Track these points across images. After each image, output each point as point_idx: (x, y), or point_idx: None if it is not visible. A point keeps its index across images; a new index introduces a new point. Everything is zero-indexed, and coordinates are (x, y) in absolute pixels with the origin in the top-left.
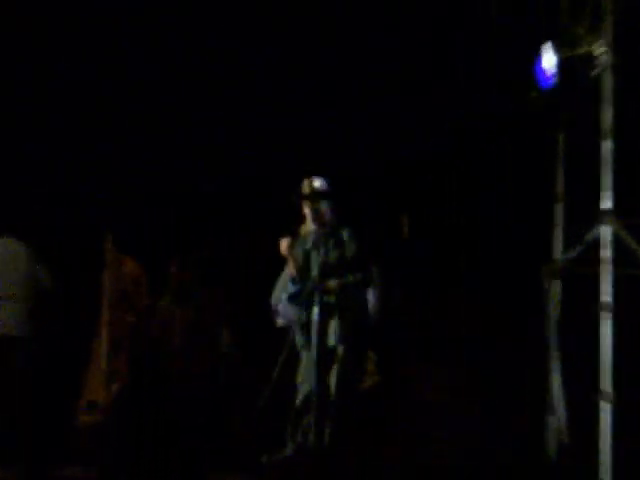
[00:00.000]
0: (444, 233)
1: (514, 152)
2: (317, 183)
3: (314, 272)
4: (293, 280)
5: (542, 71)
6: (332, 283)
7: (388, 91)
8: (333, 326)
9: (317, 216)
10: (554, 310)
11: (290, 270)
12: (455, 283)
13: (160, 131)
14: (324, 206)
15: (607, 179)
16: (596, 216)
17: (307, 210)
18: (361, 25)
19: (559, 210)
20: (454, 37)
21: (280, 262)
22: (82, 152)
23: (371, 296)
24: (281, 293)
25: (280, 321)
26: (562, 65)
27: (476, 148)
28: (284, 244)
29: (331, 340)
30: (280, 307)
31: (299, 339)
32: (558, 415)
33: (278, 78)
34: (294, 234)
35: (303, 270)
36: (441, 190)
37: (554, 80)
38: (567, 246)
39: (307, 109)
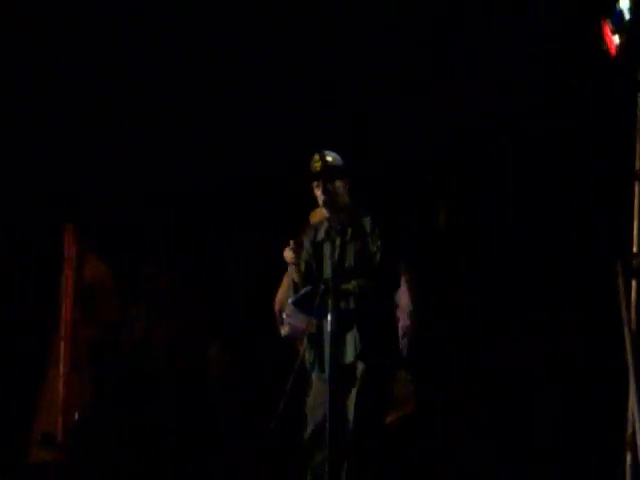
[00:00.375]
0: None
1: (514, 152)
2: (329, 157)
3: (327, 271)
4: (295, 287)
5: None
6: (350, 285)
7: (388, 91)
8: (351, 339)
9: (330, 199)
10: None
11: (293, 276)
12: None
13: (135, 124)
14: (339, 186)
15: None
16: None
17: (318, 192)
18: (361, 24)
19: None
20: (454, 37)
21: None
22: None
23: (402, 300)
24: (286, 296)
25: (285, 330)
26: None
27: (476, 148)
28: (288, 251)
29: (348, 356)
30: (285, 314)
31: (308, 355)
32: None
33: (278, 77)
34: (300, 231)
35: (312, 268)
36: (441, 190)
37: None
38: None
39: (307, 108)
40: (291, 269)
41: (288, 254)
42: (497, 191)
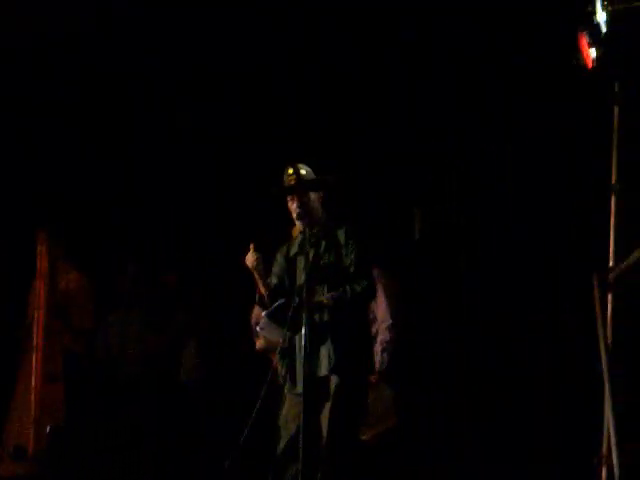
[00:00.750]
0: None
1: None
2: (303, 170)
3: (300, 282)
4: (261, 299)
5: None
6: (324, 297)
7: (389, 91)
8: (325, 352)
9: (304, 212)
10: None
11: (259, 288)
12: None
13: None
14: (313, 199)
15: None
16: None
17: (292, 206)
18: (362, 23)
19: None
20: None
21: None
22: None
23: (380, 314)
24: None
25: (260, 344)
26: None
27: (476, 148)
28: (249, 255)
29: (322, 369)
30: (259, 327)
31: (280, 368)
32: (615, 464)
33: (277, 78)
34: (274, 240)
35: (285, 282)
36: (441, 190)
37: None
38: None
39: (306, 107)
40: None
41: (249, 258)
42: (497, 191)
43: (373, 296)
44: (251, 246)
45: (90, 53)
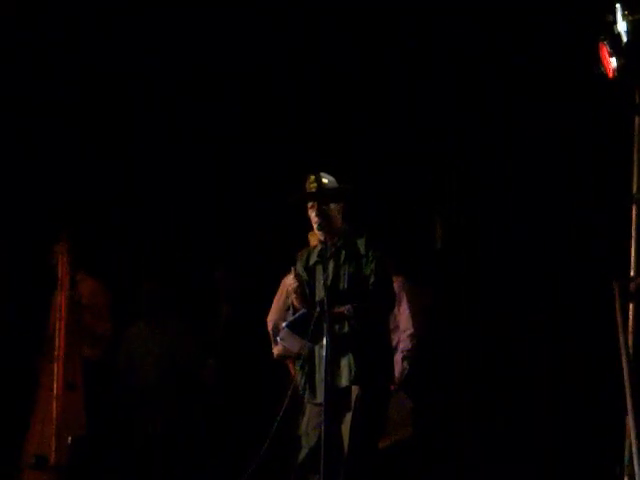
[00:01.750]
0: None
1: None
2: (325, 179)
3: (320, 294)
4: (295, 311)
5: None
6: (344, 308)
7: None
8: (345, 362)
9: (324, 221)
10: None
11: (293, 300)
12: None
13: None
14: (333, 209)
15: None
16: None
17: (312, 214)
18: (362, 23)
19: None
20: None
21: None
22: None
23: (402, 323)
24: (278, 317)
25: (279, 350)
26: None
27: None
28: (290, 279)
29: (343, 380)
30: (280, 337)
31: (300, 378)
32: (637, 473)
33: (277, 78)
34: (298, 253)
35: (305, 292)
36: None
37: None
38: None
39: (310, 109)
40: (290, 294)
41: (291, 282)
42: (497, 191)
43: (393, 307)
44: (292, 270)
45: (90, 53)
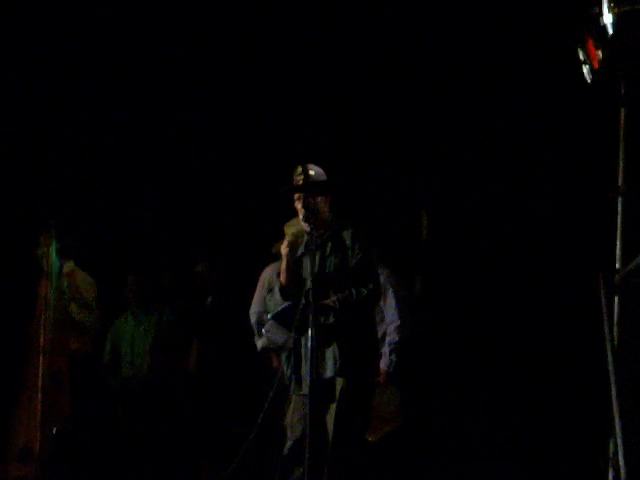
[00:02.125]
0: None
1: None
2: (312, 171)
3: (307, 285)
4: (282, 291)
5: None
6: (329, 300)
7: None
8: (330, 354)
9: (311, 213)
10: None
11: (281, 277)
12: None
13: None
14: (321, 201)
15: None
16: None
17: (299, 206)
18: (365, 23)
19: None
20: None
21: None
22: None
23: (389, 315)
24: (260, 308)
25: (263, 343)
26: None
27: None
28: (284, 243)
29: (328, 372)
30: (265, 329)
31: (286, 370)
32: (621, 465)
33: (280, 76)
34: (274, 243)
35: (293, 283)
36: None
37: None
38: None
39: (311, 105)
40: (281, 273)
41: (285, 244)
42: (483, 182)
43: (379, 299)
44: (286, 235)
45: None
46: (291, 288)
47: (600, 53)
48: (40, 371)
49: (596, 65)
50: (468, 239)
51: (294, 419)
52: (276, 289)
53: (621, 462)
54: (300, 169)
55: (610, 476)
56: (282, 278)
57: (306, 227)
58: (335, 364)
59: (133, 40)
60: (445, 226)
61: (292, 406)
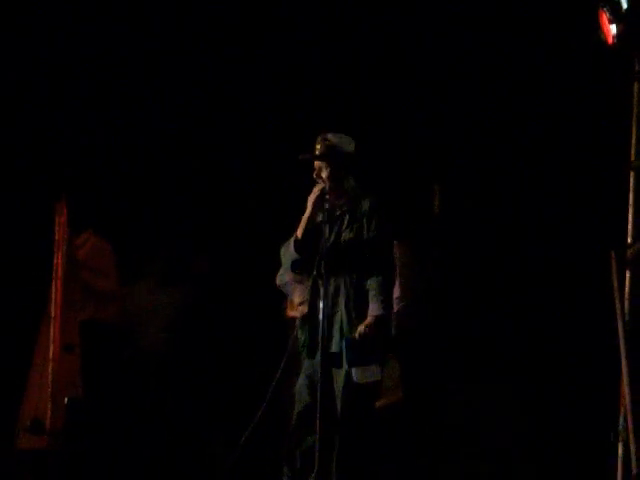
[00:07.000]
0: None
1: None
2: (334, 139)
3: (322, 253)
4: (296, 244)
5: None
6: (362, 325)
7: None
8: (337, 327)
9: (333, 184)
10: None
11: (299, 228)
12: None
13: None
14: (342, 170)
15: None
16: None
17: (321, 175)
18: (367, 24)
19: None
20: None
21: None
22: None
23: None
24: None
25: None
26: None
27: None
28: (315, 189)
29: (334, 346)
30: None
31: (301, 336)
32: (631, 440)
33: (278, 77)
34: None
35: (306, 242)
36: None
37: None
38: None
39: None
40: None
41: (315, 191)
42: (494, 157)
43: (394, 282)
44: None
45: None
46: (304, 244)
47: (614, 28)
48: (52, 341)
49: (610, 40)
50: (480, 215)
51: (302, 387)
52: (292, 240)
53: (631, 435)
54: (320, 137)
55: (619, 451)
56: (299, 229)
57: (327, 195)
58: (341, 339)
59: None
60: (457, 202)
61: (302, 373)
